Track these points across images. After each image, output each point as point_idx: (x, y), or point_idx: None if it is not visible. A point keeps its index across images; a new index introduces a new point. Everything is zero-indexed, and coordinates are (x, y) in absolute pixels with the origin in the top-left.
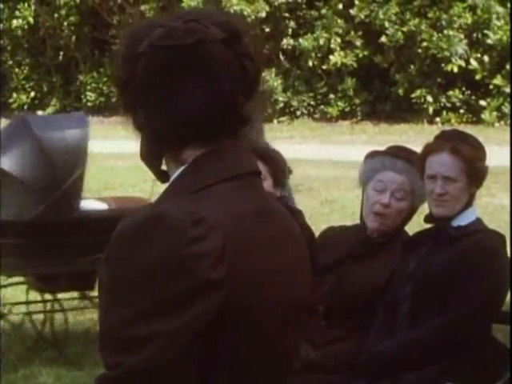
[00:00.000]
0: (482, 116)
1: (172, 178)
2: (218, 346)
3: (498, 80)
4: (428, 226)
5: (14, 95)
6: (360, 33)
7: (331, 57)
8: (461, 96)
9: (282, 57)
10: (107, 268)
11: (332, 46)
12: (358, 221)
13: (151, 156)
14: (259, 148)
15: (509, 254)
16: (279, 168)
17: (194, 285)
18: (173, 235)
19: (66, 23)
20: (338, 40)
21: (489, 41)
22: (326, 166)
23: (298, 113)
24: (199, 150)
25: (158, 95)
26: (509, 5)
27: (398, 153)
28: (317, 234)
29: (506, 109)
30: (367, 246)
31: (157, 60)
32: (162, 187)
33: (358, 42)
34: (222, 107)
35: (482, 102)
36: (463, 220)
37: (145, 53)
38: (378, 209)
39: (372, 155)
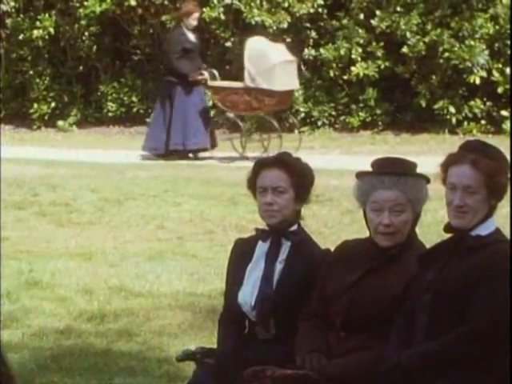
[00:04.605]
0: (503, 126)
1: None
2: None
3: None
4: (447, 235)
5: (35, 105)
6: (381, 43)
7: (353, 68)
8: (482, 106)
9: (303, 67)
10: None
11: (353, 56)
12: None
13: None
14: (285, 157)
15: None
16: (305, 181)
17: None
18: None
19: (86, 33)
20: (360, 50)
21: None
22: (347, 177)
23: (319, 123)
24: None
25: None
26: None
27: (383, 168)
28: (337, 244)
29: None
30: (381, 258)
31: None
32: None
33: (380, 53)
34: None
35: (504, 113)
36: (482, 230)
37: None
38: (382, 230)
39: (361, 176)
